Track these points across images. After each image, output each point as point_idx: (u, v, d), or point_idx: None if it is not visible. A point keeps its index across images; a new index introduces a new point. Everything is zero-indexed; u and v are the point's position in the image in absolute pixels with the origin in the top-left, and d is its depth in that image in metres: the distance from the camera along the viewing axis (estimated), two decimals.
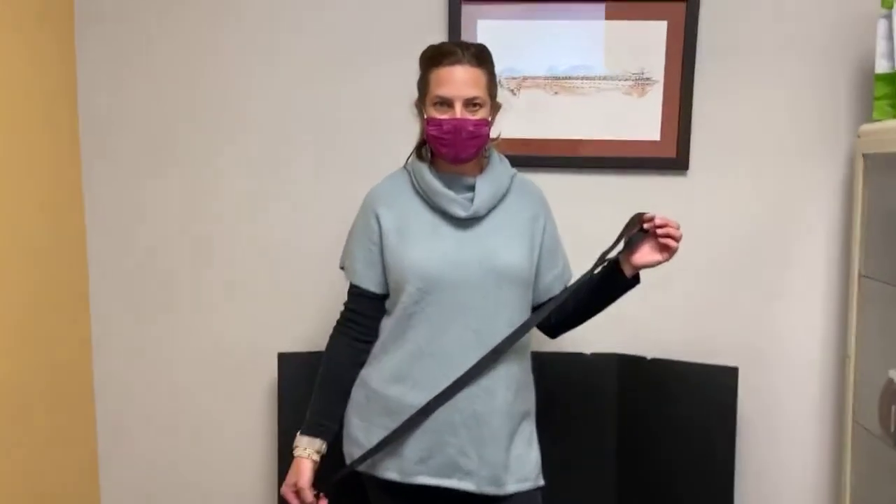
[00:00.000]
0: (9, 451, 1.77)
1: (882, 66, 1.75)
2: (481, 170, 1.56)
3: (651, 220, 1.46)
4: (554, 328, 1.63)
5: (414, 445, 1.50)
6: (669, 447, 1.89)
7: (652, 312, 1.98)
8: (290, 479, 1.55)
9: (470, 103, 1.46)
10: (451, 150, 1.48)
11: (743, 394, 1.90)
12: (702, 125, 1.95)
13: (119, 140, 2.06)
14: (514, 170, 1.60)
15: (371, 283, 1.56)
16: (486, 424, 1.50)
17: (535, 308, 1.59)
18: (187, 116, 2.04)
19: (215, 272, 2.08)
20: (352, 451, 1.56)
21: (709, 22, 1.91)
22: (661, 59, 1.95)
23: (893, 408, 1.67)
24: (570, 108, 1.97)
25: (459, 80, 1.46)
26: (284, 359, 1.97)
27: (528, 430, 1.59)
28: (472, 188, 1.52)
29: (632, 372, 1.93)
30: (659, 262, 1.48)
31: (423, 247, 1.50)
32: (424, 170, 1.53)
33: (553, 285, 1.60)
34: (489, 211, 1.53)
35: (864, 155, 1.81)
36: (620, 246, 1.52)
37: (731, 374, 1.85)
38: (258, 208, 2.06)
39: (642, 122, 1.97)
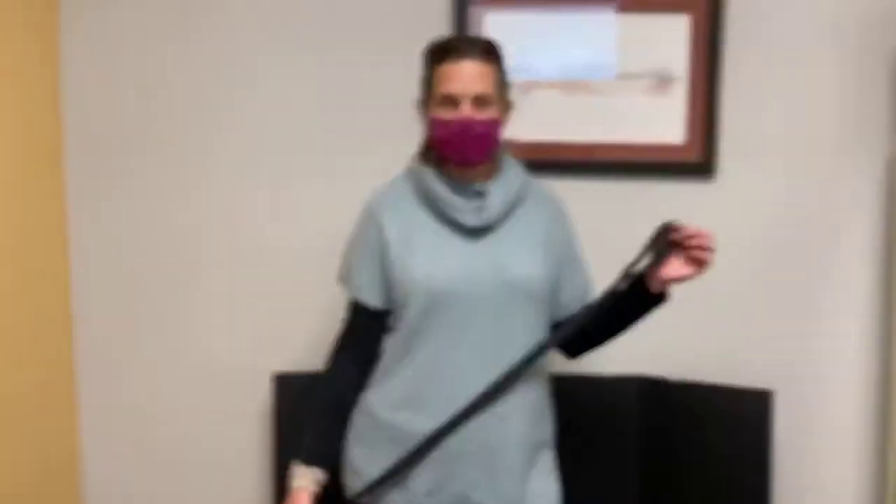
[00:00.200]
0: None
1: None
2: (492, 175, 1.46)
3: (680, 230, 1.36)
4: (574, 349, 1.53)
5: (421, 477, 1.40)
6: (697, 477, 1.79)
7: (676, 330, 1.86)
8: None
9: (478, 101, 1.37)
10: (459, 152, 1.39)
11: (777, 419, 1.78)
12: (730, 127, 1.85)
13: (105, 148, 1.96)
14: (528, 175, 1.49)
15: (373, 298, 1.46)
16: (499, 455, 1.40)
17: (554, 327, 1.48)
18: (177, 120, 1.95)
19: (206, 287, 1.99)
20: (352, 482, 1.46)
21: (736, 14, 1.81)
22: (685, 54, 1.84)
23: None
24: (584, 109, 1.88)
25: (466, 75, 1.36)
26: (280, 380, 1.87)
27: (547, 461, 1.49)
28: (482, 195, 1.43)
29: (654, 395, 1.83)
30: (690, 277, 1.38)
31: (430, 258, 1.40)
32: (430, 175, 1.44)
33: (573, 302, 1.49)
34: (502, 220, 1.43)
35: None
36: (646, 259, 1.40)
37: (764, 398, 1.74)
38: (250, 218, 1.96)
39: (664, 123, 1.87)
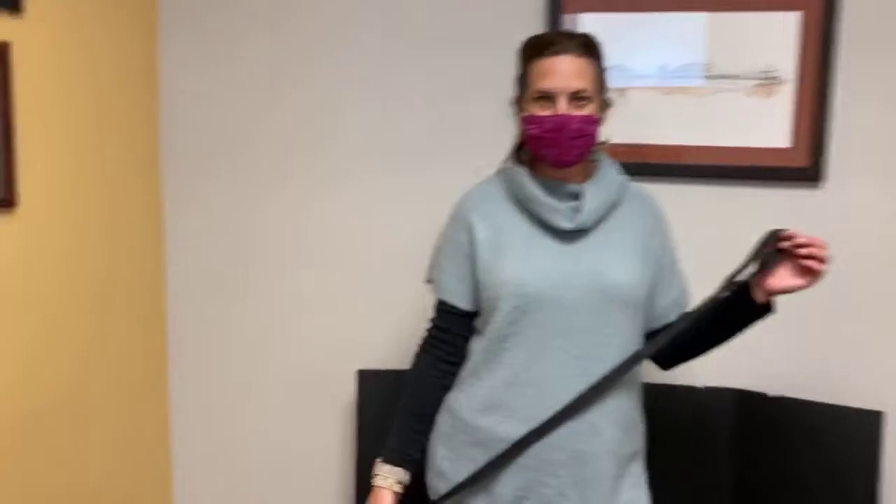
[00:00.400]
0: (84, 466, 1.73)
1: None
2: (588, 176, 1.42)
3: (791, 237, 1.29)
4: (668, 360, 1.47)
5: (507, 483, 1.38)
6: (794, 500, 1.69)
7: (777, 342, 1.78)
8: None
9: (575, 97, 1.33)
10: (554, 150, 1.35)
11: (888, 443, 1.66)
12: (840, 131, 1.75)
13: (199, 148, 2.02)
14: (626, 177, 1.45)
15: (461, 300, 1.44)
16: (589, 465, 1.36)
17: (648, 336, 1.44)
18: (270, 120, 1.99)
19: (294, 286, 2.02)
20: (437, 484, 1.45)
21: (852, 12, 1.71)
22: (793, 55, 1.75)
23: None
24: (683, 111, 1.81)
25: (564, 71, 1.32)
26: (364, 376, 1.87)
27: (637, 473, 1.45)
28: (577, 196, 1.39)
29: (751, 410, 1.75)
30: (799, 288, 1.30)
31: (521, 261, 1.37)
32: (523, 175, 1.41)
33: (669, 310, 1.44)
34: (597, 223, 1.39)
35: None
36: (751, 268, 1.34)
37: (873, 418, 1.63)
38: (339, 218, 1.98)
39: (769, 126, 1.78)
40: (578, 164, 1.39)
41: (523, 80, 1.39)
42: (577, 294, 1.35)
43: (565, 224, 1.37)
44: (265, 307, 2.03)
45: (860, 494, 1.63)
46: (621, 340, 1.37)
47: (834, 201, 1.77)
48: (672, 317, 1.44)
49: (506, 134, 1.51)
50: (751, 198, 1.79)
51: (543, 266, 1.36)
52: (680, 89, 1.81)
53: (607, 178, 1.42)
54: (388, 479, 1.44)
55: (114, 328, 1.85)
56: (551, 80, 1.33)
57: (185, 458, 2.11)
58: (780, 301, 1.37)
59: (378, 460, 1.46)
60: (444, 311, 1.46)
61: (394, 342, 1.95)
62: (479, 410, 1.40)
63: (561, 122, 1.33)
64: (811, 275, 1.29)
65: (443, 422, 1.45)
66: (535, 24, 1.81)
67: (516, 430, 1.36)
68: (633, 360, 1.36)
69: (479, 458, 1.39)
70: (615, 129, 1.50)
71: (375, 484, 1.45)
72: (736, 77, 1.79)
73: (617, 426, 1.38)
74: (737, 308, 1.37)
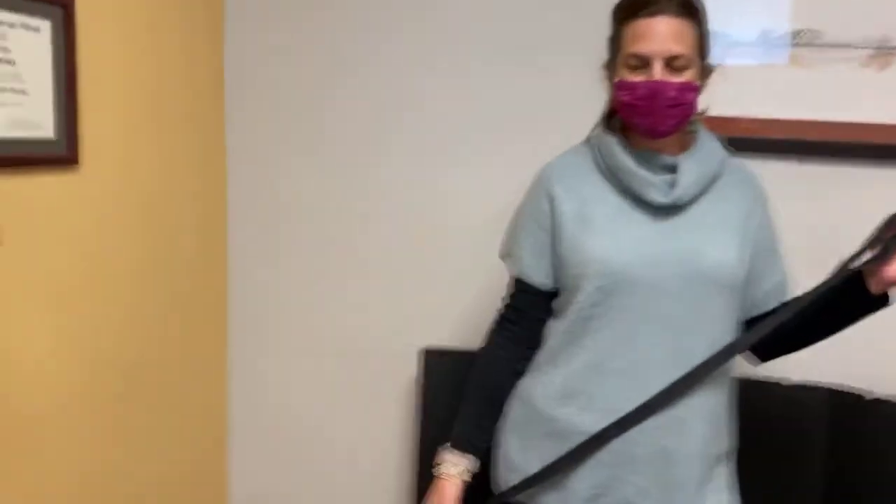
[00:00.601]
0: (142, 437, 1.71)
1: None
2: (685, 147, 1.31)
3: None
4: (767, 352, 1.35)
5: (584, 479, 1.28)
6: None
7: (880, 338, 1.61)
8: (431, 501, 1.37)
9: (672, 62, 1.22)
10: (647, 119, 1.24)
11: None
12: None
13: (267, 100, 1.95)
14: (726, 151, 1.33)
15: (538, 277, 1.35)
16: (676, 464, 1.26)
17: (744, 324, 1.32)
18: (341, 90, 1.91)
19: (357, 256, 1.95)
20: (506, 476, 1.36)
21: None
22: None
23: None
24: (788, 82, 1.67)
25: (660, 33, 1.21)
26: (428, 355, 1.79)
27: (726, 475, 1.34)
28: (672, 169, 1.28)
29: (847, 411, 1.61)
30: None
31: (609, 237, 1.27)
32: (614, 144, 1.30)
33: (769, 297, 1.33)
34: (694, 198, 1.28)
35: None
36: (868, 255, 1.20)
37: None
38: (408, 192, 1.90)
39: (884, 100, 1.62)
40: (674, 134, 1.28)
41: (616, 43, 1.29)
42: (669, 275, 1.24)
43: (659, 198, 1.26)
44: (327, 280, 1.97)
45: None
46: (716, 328, 1.26)
47: None
48: (772, 304, 1.32)
49: (595, 100, 1.39)
50: (863, 178, 1.64)
51: (633, 243, 1.26)
52: (785, 58, 1.66)
53: (705, 151, 1.30)
54: (455, 467, 1.36)
55: (174, 293, 1.82)
56: (646, 43, 1.22)
57: (243, 437, 2.08)
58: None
59: (443, 447, 1.38)
60: (520, 289, 1.38)
61: (461, 320, 1.87)
62: (555, 399, 1.30)
63: (655, 89, 1.22)
64: None
65: (514, 410, 1.36)
66: None
67: (596, 422, 1.26)
68: (728, 352, 1.25)
69: (552, 451, 1.30)
70: (711, 100, 1.36)
71: (440, 472, 1.37)
72: (848, 46, 1.63)
73: (707, 424, 1.27)
74: (848, 298, 1.24)
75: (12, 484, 1.38)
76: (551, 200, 1.32)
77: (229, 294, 2.04)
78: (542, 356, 1.35)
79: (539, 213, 1.34)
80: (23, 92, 1.33)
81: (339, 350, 1.98)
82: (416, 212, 1.89)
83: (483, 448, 1.38)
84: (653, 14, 1.22)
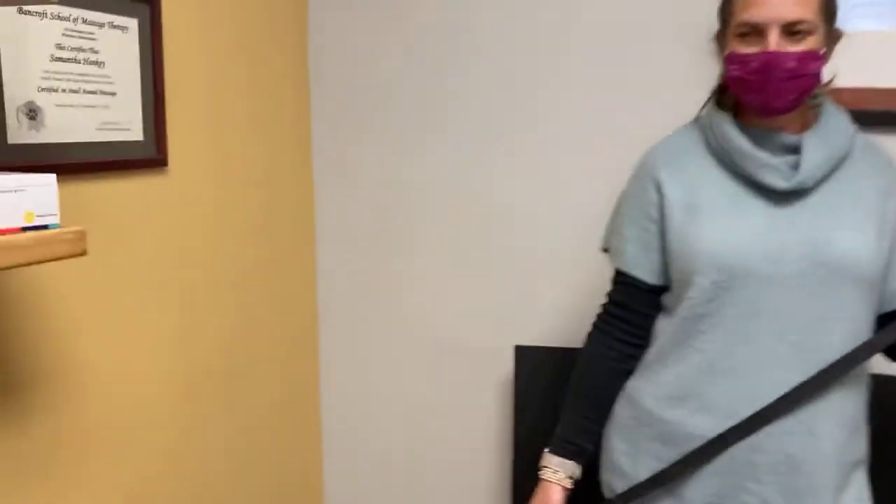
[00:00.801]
0: (238, 441, 1.72)
1: None
2: (808, 124, 1.20)
3: None
4: None
5: (699, 487, 1.20)
6: None
7: None
8: None
9: (791, 30, 1.11)
10: (761, 96, 1.14)
11: None
12: None
13: (353, 92, 1.92)
14: (854, 126, 1.21)
15: (645, 271, 1.26)
16: (803, 473, 1.16)
17: (880, 320, 1.20)
18: (429, 66, 1.85)
19: (448, 249, 1.90)
20: (613, 482, 1.29)
21: None
22: None
23: None
24: None
25: None
26: (521, 352, 1.73)
27: (861, 484, 1.23)
28: (794, 150, 1.17)
29: None
30: None
31: (723, 226, 1.17)
32: (726, 123, 1.20)
33: None
34: (819, 182, 1.16)
35: None
36: None
37: None
38: (501, 175, 1.83)
39: None
40: (794, 110, 1.16)
41: (726, 10, 1.19)
42: (793, 268, 1.13)
43: (780, 183, 1.15)
44: (417, 274, 1.93)
45: None
46: (848, 326, 1.15)
47: None
48: None
49: (705, 76, 1.29)
50: None
51: (751, 233, 1.16)
52: None
53: (832, 128, 1.18)
54: (557, 472, 1.30)
55: (265, 291, 1.82)
56: (760, 9, 1.11)
57: (337, 436, 2.07)
58: None
59: (545, 451, 1.33)
60: (625, 284, 1.29)
61: (559, 316, 1.79)
62: (666, 401, 1.22)
63: (770, 62, 1.11)
64: None
65: (622, 412, 1.28)
66: None
67: (711, 427, 1.17)
68: (865, 351, 1.14)
69: (664, 456, 1.22)
70: (838, 70, 1.24)
71: (543, 478, 1.31)
72: None
73: (840, 428, 1.17)
74: None
75: (115, 484, 1.40)
76: (657, 188, 1.23)
77: (319, 294, 2.02)
78: (651, 355, 1.26)
79: (644, 202, 1.25)
80: (111, 93, 1.33)
81: (432, 348, 1.94)
82: (511, 204, 1.82)
83: (587, 452, 1.31)
84: None
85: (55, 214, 0.96)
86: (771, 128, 1.18)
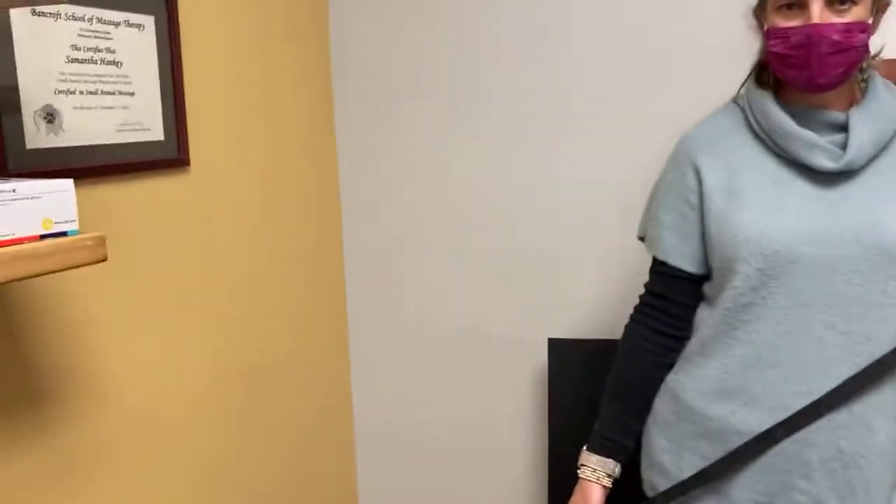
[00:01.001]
0: (268, 441, 1.71)
1: None
2: (855, 100, 1.15)
3: None
4: None
5: (746, 485, 1.16)
6: None
7: None
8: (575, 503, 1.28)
9: (835, 0, 1.05)
10: (804, 72, 1.09)
11: None
12: None
13: (377, 102, 1.89)
14: None
15: (684, 260, 1.22)
16: (858, 468, 1.11)
17: None
18: (455, 56, 1.81)
19: (478, 239, 1.87)
20: (654, 480, 1.26)
21: None
22: None
23: None
24: None
25: None
26: (555, 345, 1.70)
27: None
28: (842, 128, 1.12)
29: None
30: None
31: (767, 211, 1.13)
32: (768, 102, 1.16)
33: None
34: (869, 161, 1.11)
35: None
36: None
37: None
38: (531, 159, 1.79)
39: None
40: (840, 86, 1.11)
41: None
42: (842, 253, 1.09)
43: (827, 163, 1.10)
44: (448, 268, 1.90)
45: None
46: None
47: None
48: None
49: (743, 53, 1.24)
50: None
51: (797, 217, 1.11)
52: None
53: (881, 103, 1.13)
54: (596, 471, 1.27)
55: (291, 291, 1.81)
56: None
57: (369, 434, 2.06)
58: None
59: (584, 449, 1.30)
60: (663, 273, 1.25)
61: (593, 308, 1.75)
62: (710, 395, 1.18)
63: (813, 35, 1.07)
64: None
65: (663, 407, 1.25)
66: None
67: (759, 422, 1.13)
68: None
69: (708, 453, 1.18)
70: (885, 42, 1.18)
71: (581, 477, 1.28)
72: None
73: (895, 421, 1.11)
74: None
75: (139, 492, 1.40)
76: (696, 171, 1.19)
77: (347, 290, 2.01)
78: (692, 347, 1.22)
79: (682, 187, 1.21)
80: (130, 93, 1.32)
81: (464, 343, 1.92)
82: (544, 193, 1.78)
83: (627, 450, 1.28)
84: None
85: (74, 220, 0.95)
86: (815, 105, 1.13)
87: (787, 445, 1.11)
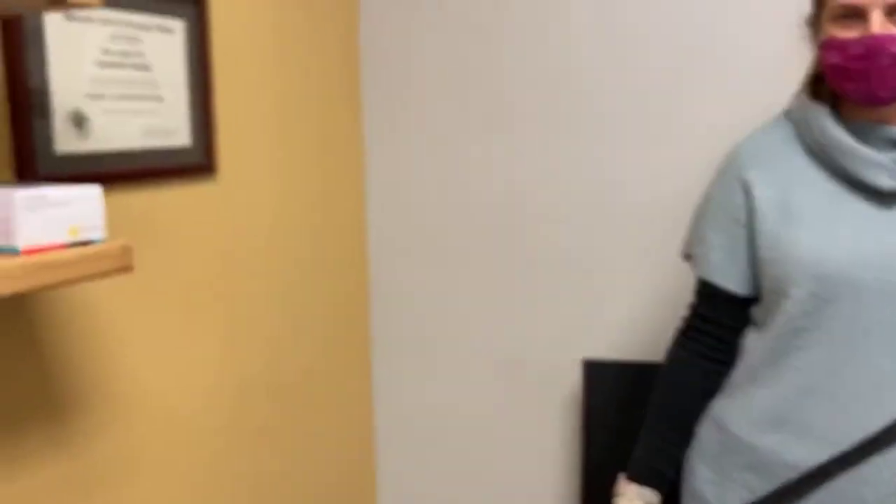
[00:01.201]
0: (291, 457, 1.69)
1: None
2: None
3: None
4: None
5: None
6: None
7: None
8: None
9: (895, 9, 1.03)
10: (864, 85, 1.06)
11: None
12: None
13: (406, 109, 1.87)
14: None
15: (732, 281, 1.18)
16: None
17: None
18: (488, 52, 1.79)
19: (509, 255, 1.83)
20: None
21: None
22: None
23: None
24: None
25: None
26: (590, 367, 1.66)
27: None
28: None
29: None
30: None
31: (822, 231, 1.09)
32: (823, 116, 1.12)
33: None
34: None
35: None
36: None
37: None
38: (568, 173, 1.75)
39: None
40: None
41: None
42: None
43: (887, 182, 1.07)
44: (477, 283, 1.87)
45: None
46: None
47: None
48: None
49: (795, 65, 1.20)
50: None
51: (854, 239, 1.07)
52: None
53: None
54: (634, 501, 1.22)
55: (317, 303, 1.79)
56: None
57: (390, 450, 2.03)
58: None
59: (621, 477, 1.25)
60: (709, 294, 1.21)
61: (630, 328, 1.71)
62: (758, 425, 1.14)
63: (873, 47, 1.04)
64: None
65: (707, 436, 1.20)
66: None
67: (812, 456, 1.09)
68: None
69: (755, 487, 1.14)
70: None
71: None
72: None
73: None
74: None
75: (168, 499, 1.39)
76: (745, 188, 1.16)
77: (372, 306, 1.98)
78: (740, 374, 1.18)
79: (730, 204, 1.17)
80: (158, 98, 1.31)
81: (492, 362, 1.88)
82: (579, 207, 1.74)
83: (668, 479, 1.23)
84: None
85: (100, 228, 0.94)
86: (874, 120, 1.10)
87: (842, 482, 1.07)
